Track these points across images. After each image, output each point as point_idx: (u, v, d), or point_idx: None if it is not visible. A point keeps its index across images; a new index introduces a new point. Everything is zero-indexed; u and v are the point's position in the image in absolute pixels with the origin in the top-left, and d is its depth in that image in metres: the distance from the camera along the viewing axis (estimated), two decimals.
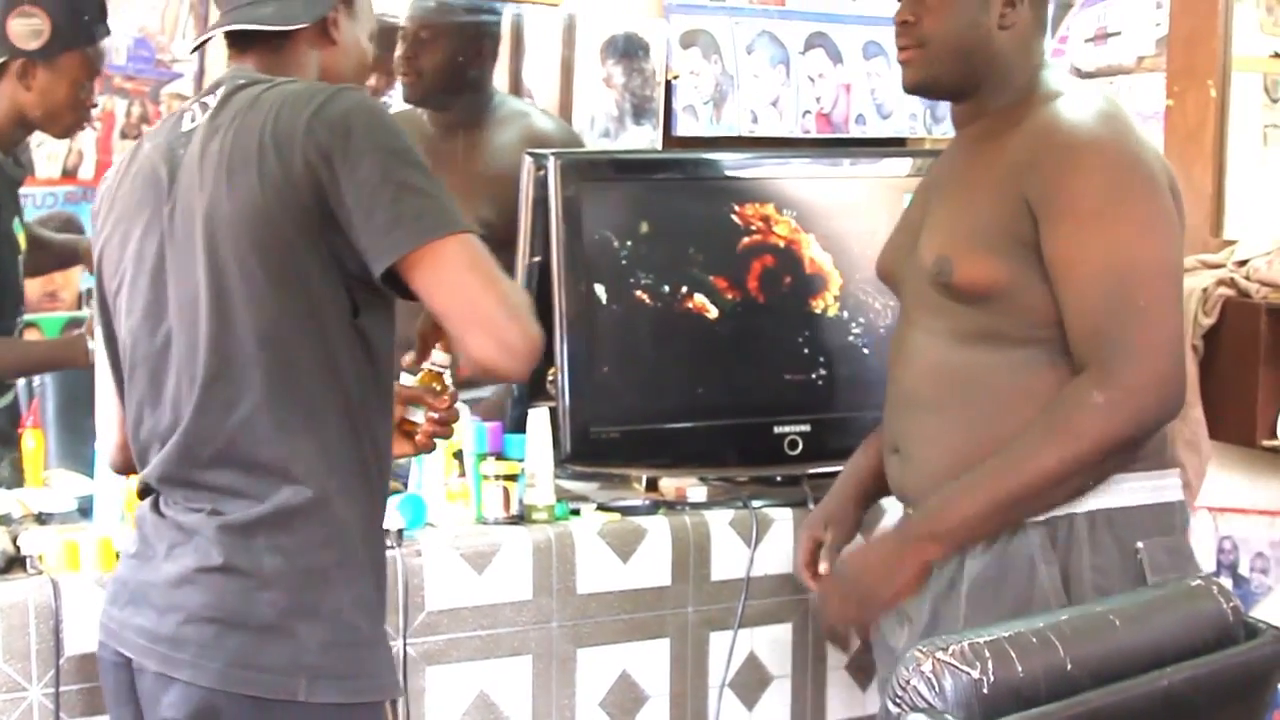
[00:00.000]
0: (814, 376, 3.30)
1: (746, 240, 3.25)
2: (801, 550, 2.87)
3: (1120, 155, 2.44)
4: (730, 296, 3.26)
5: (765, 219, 3.26)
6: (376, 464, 2.18)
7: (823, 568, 2.79)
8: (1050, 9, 2.63)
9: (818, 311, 3.30)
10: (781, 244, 3.28)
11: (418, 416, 2.39)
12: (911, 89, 2.64)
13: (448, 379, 2.38)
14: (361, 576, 2.14)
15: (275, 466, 2.08)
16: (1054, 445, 2.39)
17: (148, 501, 2.23)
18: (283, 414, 2.08)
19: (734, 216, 3.25)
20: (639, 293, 3.21)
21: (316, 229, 2.05)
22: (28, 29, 3.18)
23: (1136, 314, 2.38)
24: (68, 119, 3.31)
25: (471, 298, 2.03)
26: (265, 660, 2.06)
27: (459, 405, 2.42)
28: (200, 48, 2.35)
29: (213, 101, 2.18)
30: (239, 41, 2.24)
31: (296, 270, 2.07)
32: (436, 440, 2.42)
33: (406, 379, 2.39)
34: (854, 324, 3.32)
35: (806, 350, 3.30)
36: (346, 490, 2.12)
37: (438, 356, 2.36)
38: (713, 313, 3.23)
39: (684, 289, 3.23)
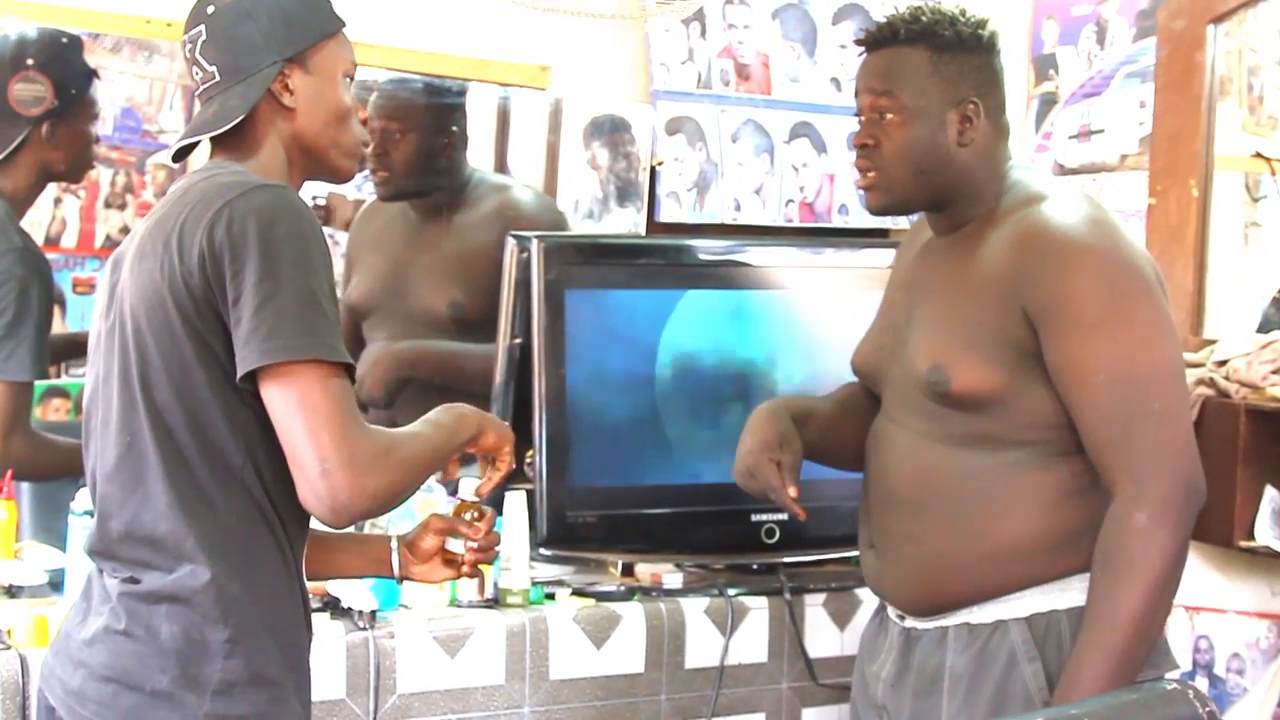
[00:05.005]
0: None
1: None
2: (771, 475, 2.67)
3: (1116, 260, 2.45)
4: (711, 383, 3.26)
5: None
6: (293, 545, 2.20)
7: (794, 491, 2.66)
8: (1006, 116, 2.62)
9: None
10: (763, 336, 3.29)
11: (457, 546, 2.39)
12: (877, 212, 2.63)
13: (484, 505, 2.38)
14: (262, 655, 2.15)
15: (171, 543, 2.12)
16: (1130, 587, 2.37)
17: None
18: (177, 493, 2.12)
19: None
20: (619, 377, 3.21)
21: (202, 318, 2.09)
22: (30, 94, 3.25)
23: (1153, 419, 2.40)
24: (88, 163, 3.42)
25: (294, 440, 2.05)
26: None
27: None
28: (182, 157, 2.34)
29: (172, 189, 2.25)
30: (211, 140, 2.28)
31: (180, 356, 2.10)
32: (480, 567, 2.45)
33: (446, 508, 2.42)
34: None
35: None
36: (247, 570, 2.14)
37: (469, 484, 2.36)
38: (692, 398, 3.23)
39: (664, 374, 3.23)
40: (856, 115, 2.61)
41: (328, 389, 2.05)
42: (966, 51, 2.55)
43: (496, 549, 2.43)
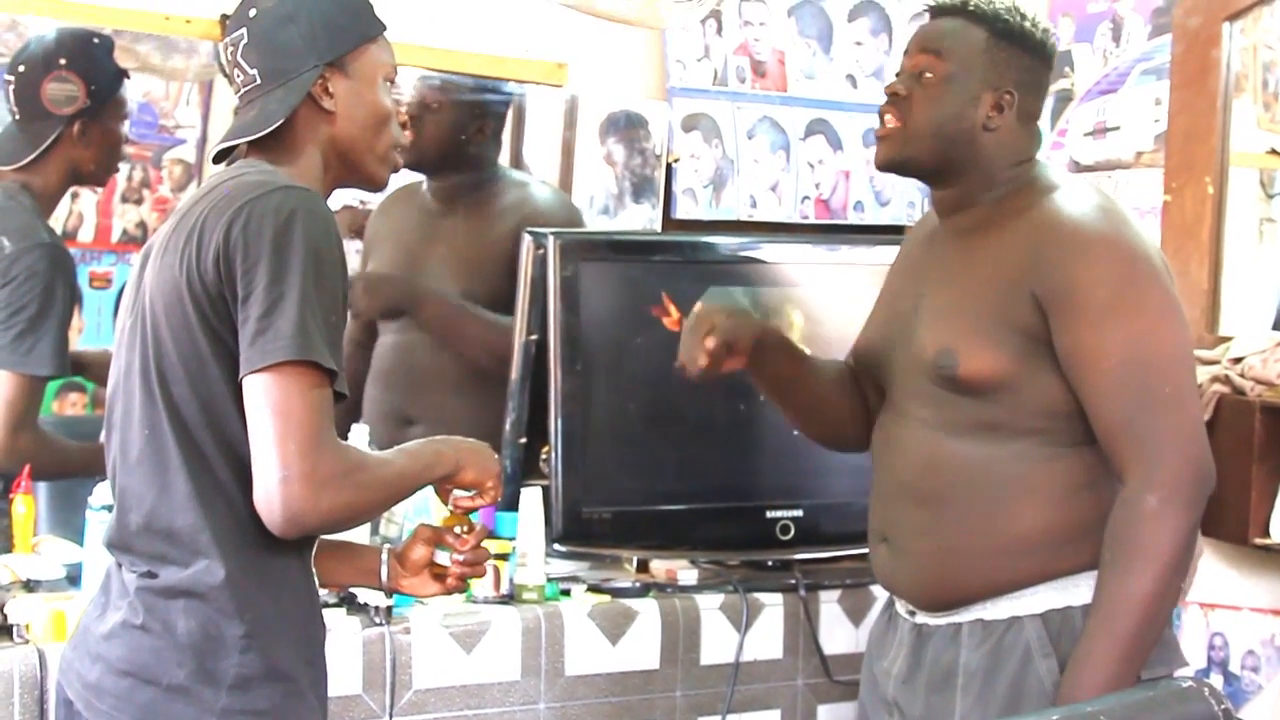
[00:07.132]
0: (807, 462, 3.30)
1: None
2: (700, 323, 2.68)
3: (1126, 248, 2.47)
4: (726, 380, 3.25)
5: None
6: (307, 541, 2.21)
7: (710, 343, 2.64)
8: (1045, 109, 2.65)
9: None
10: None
11: (444, 559, 2.37)
12: (884, 166, 2.65)
13: (474, 518, 2.36)
14: (279, 649, 2.16)
15: (188, 536, 2.13)
16: (1141, 570, 2.38)
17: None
18: (195, 486, 2.12)
19: None
20: (634, 373, 3.21)
21: (217, 315, 2.10)
22: (63, 93, 3.27)
23: (1163, 403, 2.41)
24: (115, 165, 3.44)
25: (261, 442, 2.05)
26: (170, 719, 2.11)
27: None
28: (222, 159, 2.34)
29: (200, 185, 2.25)
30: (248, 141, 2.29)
31: (196, 351, 2.12)
32: (468, 581, 2.43)
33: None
34: None
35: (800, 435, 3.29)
36: (261, 567, 2.15)
37: (461, 495, 2.33)
38: (708, 395, 3.22)
39: (679, 371, 3.23)
40: (896, 75, 2.63)
41: (306, 398, 2.05)
42: (1022, 49, 2.58)
43: (485, 563, 2.40)
